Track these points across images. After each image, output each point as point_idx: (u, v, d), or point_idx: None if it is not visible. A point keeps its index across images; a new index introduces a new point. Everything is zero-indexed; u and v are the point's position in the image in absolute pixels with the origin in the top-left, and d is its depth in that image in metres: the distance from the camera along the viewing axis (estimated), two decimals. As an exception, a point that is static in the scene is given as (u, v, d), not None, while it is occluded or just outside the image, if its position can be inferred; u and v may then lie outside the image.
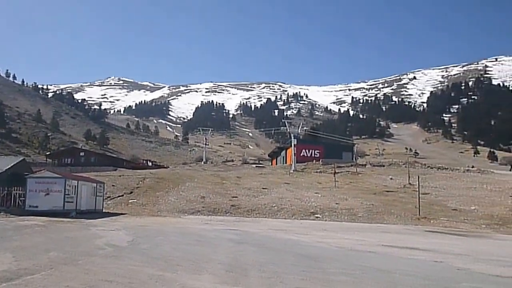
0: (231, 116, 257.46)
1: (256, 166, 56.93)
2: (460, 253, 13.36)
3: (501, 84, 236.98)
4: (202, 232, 16.88)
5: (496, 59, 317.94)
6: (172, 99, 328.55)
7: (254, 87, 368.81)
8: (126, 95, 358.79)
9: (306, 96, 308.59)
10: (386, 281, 7.94)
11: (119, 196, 32.73)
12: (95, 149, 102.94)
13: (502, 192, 34.73)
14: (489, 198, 32.70)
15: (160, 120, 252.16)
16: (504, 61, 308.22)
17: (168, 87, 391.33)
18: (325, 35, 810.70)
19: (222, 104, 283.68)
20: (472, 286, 8.00)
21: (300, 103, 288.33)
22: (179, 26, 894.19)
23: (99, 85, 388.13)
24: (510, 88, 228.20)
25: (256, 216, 27.02)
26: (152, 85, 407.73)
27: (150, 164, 77.78)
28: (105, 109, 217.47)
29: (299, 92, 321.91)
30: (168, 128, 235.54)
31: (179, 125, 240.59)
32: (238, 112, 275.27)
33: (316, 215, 27.10)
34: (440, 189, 35.60)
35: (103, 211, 27.51)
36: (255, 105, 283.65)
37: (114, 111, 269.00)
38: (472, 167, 60.30)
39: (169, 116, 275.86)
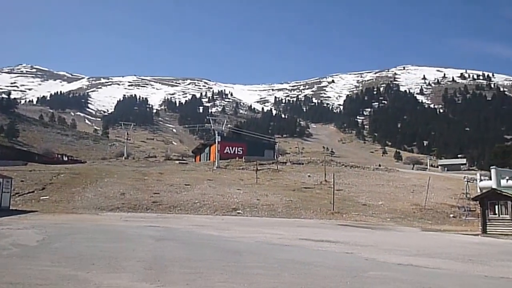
0: (154, 111, 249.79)
1: (179, 162, 56.09)
2: (368, 244, 14.59)
3: (407, 91, 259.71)
4: (121, 229, 16.34)
5: (404, 67, 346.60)
6: (92, 91, 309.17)
7: (179, 83, 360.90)
8: (39, 84, 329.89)
9: (231, 94, 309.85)
10: (302, 273, 8.42)
11: (29, 193, 30.31)
12: (2, 142, 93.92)
13: (405, 188, 38.54)
14: (394, 194, 36.01)
15: (78, 113, 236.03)
16: (410, 70, 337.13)
17: (88, 78, 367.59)
18: (250, 35, 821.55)
19: (146, 98, 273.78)
20: (378, 274, 8.81)
21: (225, 101, 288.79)
22: (100, 14, 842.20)
23: (8, 72, 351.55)
24: (415, 95, 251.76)
25: (178, 213, 26.74)
26: (70, 76, 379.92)
27: (65, 158, 72.84)
28: (15, 98, 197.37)
29: (224, 90, 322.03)
30: (87, 121, 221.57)
31: (99, 119, 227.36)
32: (162, 107, 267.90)
33: (238, 211, 27.56)
34: (352, 186, 38.27)
35: (10, 208, 25.23)
36: (179, 101, 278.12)
37: (26, 101, 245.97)
38: (380, 165, 65.30)
39: (88, 109, 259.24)
